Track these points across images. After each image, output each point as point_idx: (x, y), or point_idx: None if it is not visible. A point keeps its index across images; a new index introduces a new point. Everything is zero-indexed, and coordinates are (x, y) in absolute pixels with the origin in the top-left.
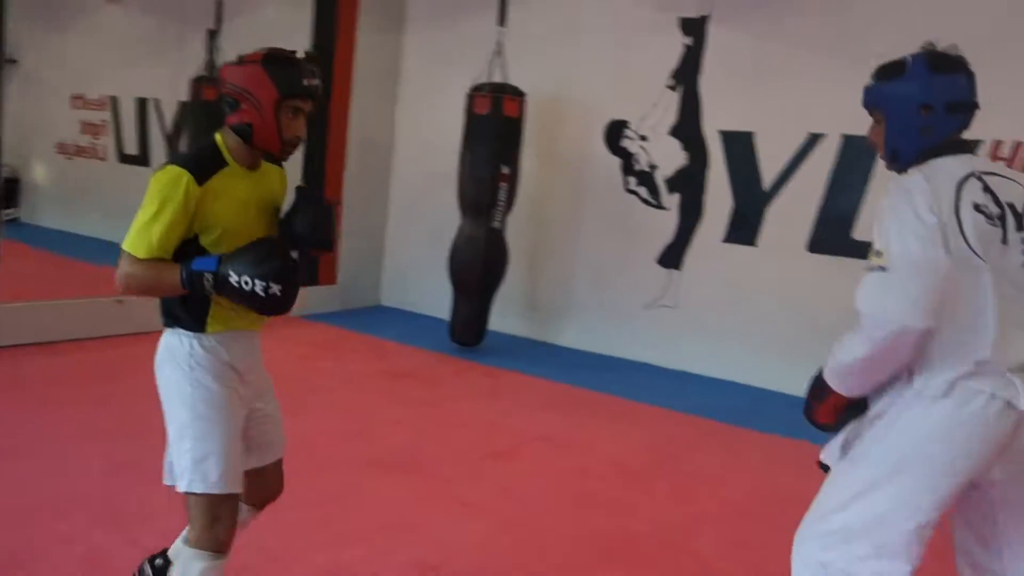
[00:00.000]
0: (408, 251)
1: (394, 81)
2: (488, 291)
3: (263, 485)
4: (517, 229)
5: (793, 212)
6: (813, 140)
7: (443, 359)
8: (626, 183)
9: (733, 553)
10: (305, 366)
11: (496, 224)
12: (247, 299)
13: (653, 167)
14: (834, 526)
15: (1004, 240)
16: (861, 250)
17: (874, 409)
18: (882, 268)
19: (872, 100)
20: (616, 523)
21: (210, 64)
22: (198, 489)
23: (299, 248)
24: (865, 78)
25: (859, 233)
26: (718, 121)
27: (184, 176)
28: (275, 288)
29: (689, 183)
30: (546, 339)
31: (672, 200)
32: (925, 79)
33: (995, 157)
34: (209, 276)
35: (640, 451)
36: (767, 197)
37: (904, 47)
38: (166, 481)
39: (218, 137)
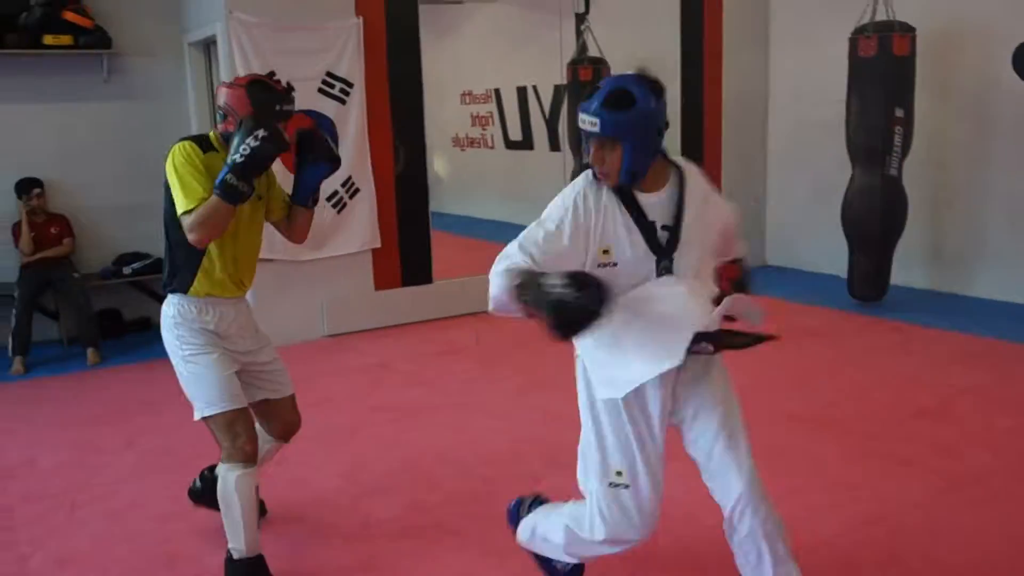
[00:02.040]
0: (792, 206)
1: (765, 34)
2: (888, 243)
3: (278, 418)
4: (914, 174)
5: None
6: None
7: (843, 316)
8: None
9: None
10: None
11: (892, 171)
12: (252, 155)
13: None
14: None
15: None
16: None
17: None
18: None
19: (615, 131)
20: None
21: (582, 47)
22: (208, 413)
23: (319, 170)
24: None
25: None
26: None
27: (186, 144)
28: (262, 133)
29: None
30: (955, 290)
31: None
32: (656, 105)
33: None
34: (228, 175)
35: None
36: None
37: None
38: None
39: (211, 133)
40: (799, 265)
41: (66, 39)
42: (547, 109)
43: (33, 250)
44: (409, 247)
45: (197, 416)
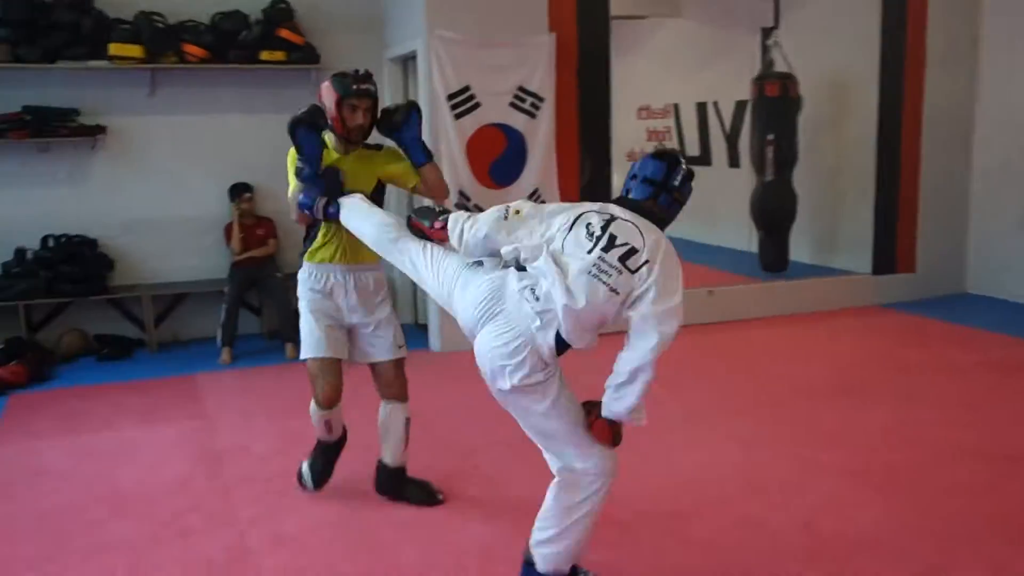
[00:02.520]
0: (998, 232)
1: (972, 49)
2: None
3: (378, 379)
4: None
5: None
6: None
7: None
8: None
9: None
10: (891, 355)
11: None
12: (292, 137)
13: None
14: None
15: (589, 251)
16: None
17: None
18: None
19: None
20: None
21: (769, 62)
22: (301, 357)
23: (407, 128)
24: None
25: None
26: None
27: (292, 150)
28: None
29: None
30: None
31: None
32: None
33: None
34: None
35: None
36: None
37: None
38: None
39: (324, 134)
40: (1006, 295)
41: (280, 55)
42: (728, 125)
43: (242, 249)
44: None
45: (301, 357)
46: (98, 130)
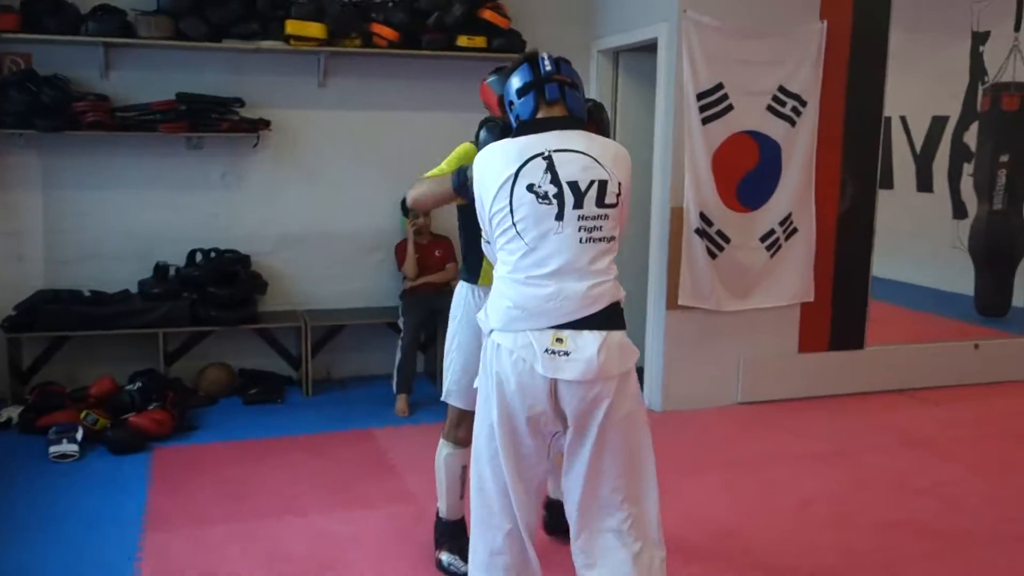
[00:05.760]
0: None
1: None
2: None
3: None
4: None
5: None
6: None
7: None
8: None
9: None
10: None
11: None
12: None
13: None
14: None
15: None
16: None
17: None
18: None
19: None
20: None
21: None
22: (451, 402)
23: None
24: None
25: None
26: None
27: (467, 144)
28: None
29: None
30: None
31: None
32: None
33: None
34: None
35: None
36: None
37: None
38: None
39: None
40: None
41: (480, 40)
42: (918, 143)
43: (416, 274)
44: (843, 303)
45: (443, 398)
46: (261, 125)
